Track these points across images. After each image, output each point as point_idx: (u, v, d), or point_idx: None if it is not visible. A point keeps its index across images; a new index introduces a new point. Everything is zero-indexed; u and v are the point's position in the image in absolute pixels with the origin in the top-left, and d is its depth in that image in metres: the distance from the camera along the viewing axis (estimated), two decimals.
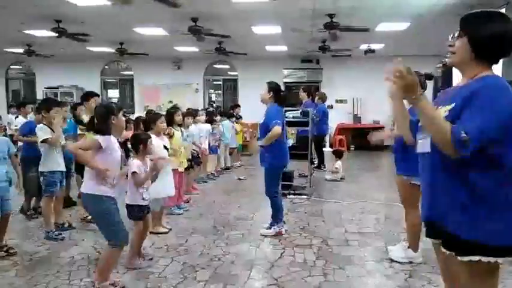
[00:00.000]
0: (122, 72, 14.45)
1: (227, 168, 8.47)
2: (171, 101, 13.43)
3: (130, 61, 13.36)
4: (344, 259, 3.66)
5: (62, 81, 13.44)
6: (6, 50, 11.76)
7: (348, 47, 10.04)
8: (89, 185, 2.92)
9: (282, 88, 4.62)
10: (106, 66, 14.15)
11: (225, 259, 3.65)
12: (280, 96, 4.35)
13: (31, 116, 5.56)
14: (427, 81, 3.47)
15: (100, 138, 2.90)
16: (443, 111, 1.64)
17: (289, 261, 3.60)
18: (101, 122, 2.98)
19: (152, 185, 3.63)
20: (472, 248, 1.57)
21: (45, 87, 13.56)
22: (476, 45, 1.62)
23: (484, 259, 1.56)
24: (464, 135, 1.46)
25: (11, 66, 14.58)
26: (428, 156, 1.69)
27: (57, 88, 13.40)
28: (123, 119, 3.14)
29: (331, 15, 7.21)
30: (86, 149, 2.94)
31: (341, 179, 7.35)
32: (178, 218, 4.91)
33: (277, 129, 4.09)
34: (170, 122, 4.89)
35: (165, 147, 4.25)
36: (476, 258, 1.56)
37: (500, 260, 1.58)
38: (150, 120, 4.37)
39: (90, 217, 4.42)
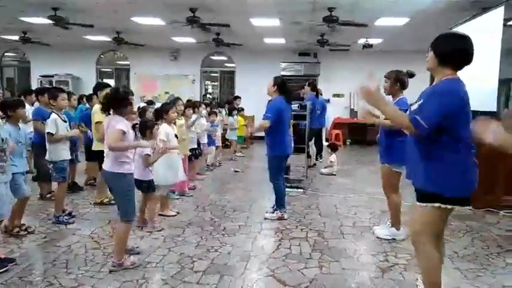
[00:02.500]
0: (117, 62, 14.32)
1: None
2: (167, 92, 13.39)
3: (127, 51, 13.26)
4: (339, 252, 3.70)
5: (57, 70, 13.30)
6: (1, 37, 11.62)
7: (346, 41, 10.04)
8: (112, 165, 3.16)
9: None
10: (102, 56, 14.03)
11: (222, 250, 3.67)
12: (285, 90, 4.60)
13: (36, 105, 5.77)
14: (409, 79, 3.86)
15: (120, 125, 3.09)
16: (416, 104, 2.39)
17: (285, 254, 3.63)
18: (119, 105, 3.17)
19: (163, 172, 4.33)
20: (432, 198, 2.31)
21: (40, 76, 13.41)
22: (438, 56, 2.31)
23: (443, 206, 2.28)
24: (419, 121, 2.20)
25: (6, 54, 14.41)
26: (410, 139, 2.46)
27: (53, 76, 13.26)
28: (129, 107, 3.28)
29: (330, 9, 7.20)
30: (118, 140, 3.11)
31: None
32: (175, 209, 4.91)
33: (264, 122, 4.42)
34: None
35: (175, 135, 4.57)
36: (436, 204, 2.30)
37: (450, 207, 2.29)
38: (162, 110, 4.72)
39: (106, 200, 4.97)
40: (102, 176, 3.43)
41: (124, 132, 3.12)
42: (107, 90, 4.65)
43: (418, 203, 2.42)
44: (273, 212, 4.64)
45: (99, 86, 5.05)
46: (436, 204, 2.30)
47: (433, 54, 2.33)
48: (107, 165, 3.21)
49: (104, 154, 3.25)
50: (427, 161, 2.33)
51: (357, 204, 5.36)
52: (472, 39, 2.30)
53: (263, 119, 4.47)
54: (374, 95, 2.34)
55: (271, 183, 4.70)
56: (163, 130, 4.51)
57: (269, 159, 4.63)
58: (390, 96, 3.87)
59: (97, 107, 4.88)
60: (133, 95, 3.34)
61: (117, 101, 3.16)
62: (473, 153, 2.33)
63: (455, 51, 2.28)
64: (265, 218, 4.61)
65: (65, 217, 4.36)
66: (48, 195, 5.22)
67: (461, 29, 6.23)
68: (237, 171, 7.59)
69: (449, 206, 2.29)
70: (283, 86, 4.60)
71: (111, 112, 3.20)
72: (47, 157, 4.35)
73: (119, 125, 3.10)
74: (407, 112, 2.52)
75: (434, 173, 2.31)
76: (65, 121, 4.50)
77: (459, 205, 2.32)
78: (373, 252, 3.71)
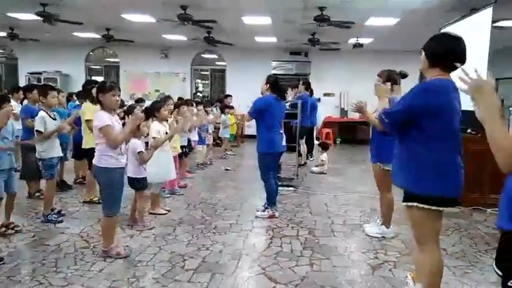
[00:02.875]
0: (107, 59, 14.18)
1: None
2: (157, 90, 13.32)
3: (117, 48, 13.14)
4: (330, 250, 3.72)
5: (46, 67, 13.13)
6: None
7: (337, 40, 10.07)
8: (99, 159, 3.25)
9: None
10: (91, 53, 13.87)
11: (213, 248, 3.67)
12: (277, 88, 4.68)
13: (25, 102, 5.76)
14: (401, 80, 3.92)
15: (104, 121, 3.16)
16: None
17: (276, 252, 3.64)
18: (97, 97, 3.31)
19: (155, 170, 4.32)
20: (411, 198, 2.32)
21: (28, 73, 13.22)
22: (429, 57, 2.30)
23: (420, 205, 2.27)
24: (381, 115, 2.38)
25: None
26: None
27: (41, 74, 13.07)
28: (113, 99, 3.29)
29: (321, 8, 7.22)
30: (113, 134, 3.20)
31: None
32: (165, 207, 4.89)
33: (245, 115, 4.72)
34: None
35: (166, 133, 4.58)
36: (414, 204, 2.29)
37: (427, 207, 2.25)
38: (153, 108, 4.70)
39: (96, 198, 4.90)
40: (92, 171, 3.43)
41: (110, 126, 3.19)
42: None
43: (402, 203, 2.41)
44: (264, 211, 4.65)
45: (89, 83, 5.01)
46: (415, 204, 2.29)
47: (425, 55, 2.33)
48: (95, 160, 3.31)
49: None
50: (411, 161, 2.33)
51: (347, 203, 5.40)
52: (463, 40, 2.27)
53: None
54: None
55: (262, 182, 4.71)
56: (155, 127, 4.51)
57: (258, 156, 4.67)
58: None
59: (87, 104, 4.86)
60: (119, 90, 3.37)
61: (102, 93, 3.24)
62: (459, 154, 2.30)
63: (446, 52, 2.25)
64: (256, 217, 4.62)
65: (54, 216, 4.31)
66: (37, 194, 5.16)
67: (451, 29, 6.30)
68: (228, 170, 7.58)
69: (426, 206, 2.26)
70: (276, 85, 4.66)
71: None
72: (36, 154, 4.30)
73: (102, 121, 3.17)
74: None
75: (416, 173, 2.30)
76: (55, 119, 4.46)
77: (444, 206, 2.28)
78: (363, 250, 3.74)
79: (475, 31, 5.32)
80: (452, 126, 2.28)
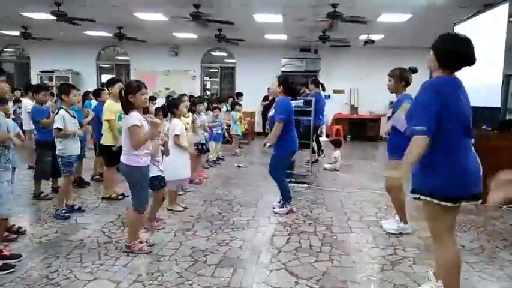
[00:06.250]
0: (117, 57, 14.28)
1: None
2: (168, 88, 13.39)
3: (127, 46, 13.22)
4: (349, 246, 3.75)
5: (57, 65, 13.27)
6: (2, 32, 11.56)
7: (348, 37, 10.06)
8: (130, 158, 3.29)
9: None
10: (102, 51, 13.97)
11: (233, 244, 3.72)
12: (290, 88, 4.60)
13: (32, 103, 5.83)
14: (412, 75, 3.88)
15: (132, 121, 3.19)
16: None
17: (295, 247, 3.68)
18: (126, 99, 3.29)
19: (171, 167, 4.15)
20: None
21: (40, 71, 13.37)
22: (437, 57, 2.34)
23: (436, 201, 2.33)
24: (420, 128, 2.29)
25: (4, 49, 14.33)
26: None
27: (52, 72, 13.23)
28: (143, 98, 3.32)
29: (334, 5, 7.22)
30: (140, 135, 3.23)
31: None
32: (182, 204, 4.94)
33: (278, 125, 4.42)
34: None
35: (186, 129, 4.66)
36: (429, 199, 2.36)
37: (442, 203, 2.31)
38: (173, 104, 4.67)
39: (114, 195, 5.03)
40: (120, 167, 3.46)
41: (138, 126, 3.22)
42: (119, 84, 4.68)
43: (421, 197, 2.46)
44: (282, 206, 4.69)
45: (111, 82, 5.05)
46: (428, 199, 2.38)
47: (433, 54, 2.36)
48: (124, 158, 3.33)
49: (122, 149, 3.38)
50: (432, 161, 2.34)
51: (362, 199, 5.42)
52: (472, 42, 2.30)
53: (272, 119, 4.52)
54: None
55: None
56: (178, 125, 4.50)
57: (279, 156, 4.63)
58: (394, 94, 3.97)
59: (108, 102, 4.94)
60: (146, 88, 3.36)
61: (132, 94, 3.24)
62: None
63: (450, 54, 2.30)
64: (275, 213, 4.66)
65: (62, 211, 4.33)
66: (42, 195, 5.05)
67: (465, 26, 6.28)
68: (240, 167, 7.63)
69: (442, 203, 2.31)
70: (288, 84, 4.60)
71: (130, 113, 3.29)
72: (56, 152, 4.35)
73: (131, 121, 3.21)
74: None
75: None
76: (74, 117, 4.51)
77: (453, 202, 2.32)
78: (381, 246, 3.77)
79: (490, 27, 5.30)
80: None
